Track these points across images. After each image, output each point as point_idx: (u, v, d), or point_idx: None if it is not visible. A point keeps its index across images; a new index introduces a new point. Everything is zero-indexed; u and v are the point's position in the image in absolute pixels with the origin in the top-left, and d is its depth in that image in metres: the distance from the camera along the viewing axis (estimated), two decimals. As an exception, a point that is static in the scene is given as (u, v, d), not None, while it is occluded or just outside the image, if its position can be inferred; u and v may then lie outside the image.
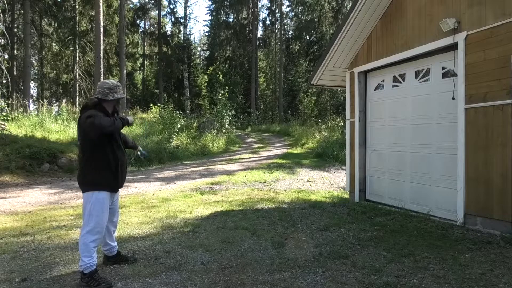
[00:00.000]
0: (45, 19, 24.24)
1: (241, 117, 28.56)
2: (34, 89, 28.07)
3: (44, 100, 20.00)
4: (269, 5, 36.32)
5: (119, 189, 3.28)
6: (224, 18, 35.18)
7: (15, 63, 21.96)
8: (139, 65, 37.22)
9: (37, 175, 9.05)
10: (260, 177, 9.00)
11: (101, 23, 16.02)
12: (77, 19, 24.22)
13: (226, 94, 19.87)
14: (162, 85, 32.98)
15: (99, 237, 2.98)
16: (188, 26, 36.37)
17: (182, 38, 35.73)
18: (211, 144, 16.02)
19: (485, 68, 4.24)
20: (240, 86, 31.73)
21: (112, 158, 3.04)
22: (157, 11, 34.26)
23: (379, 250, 3.72)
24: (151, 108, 19.85)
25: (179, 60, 33.42)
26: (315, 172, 10.04)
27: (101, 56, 16.16)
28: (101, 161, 2.99)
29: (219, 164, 11.61)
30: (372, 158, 6.38)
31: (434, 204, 5.10)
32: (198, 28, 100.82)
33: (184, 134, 16.00)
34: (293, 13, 34.15)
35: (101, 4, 15.76)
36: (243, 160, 12.59)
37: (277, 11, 34.79)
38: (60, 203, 6.17)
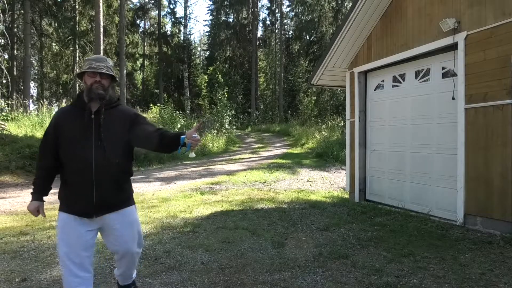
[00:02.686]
0: (45, 19, 24.20)
1: (241, 117, 28.59)
2: (34, 89, 28.09)
3: (44, 100, 20.00)
4: (269, 5, 36.37)
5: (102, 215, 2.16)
6: (224, 18, 35.19)
7: (15, 63, 21.94)
8: (139, 65, 37.21)
9: (37, 175, 9.04)
10: (260, 177, 9.00)
11: (101, 23, 16.00)
12: (77, 19, 24.21)
13: (226, 94, 19.87)
14: (162, 85, 32.98)
15: (64, 264, 2.11)
16: (188, 26, 36.44)
17: (182, 38, 35.76)
18: (211, 144, 16.03)
19: (485, 68, 4.24)
20: (240, 86, 31.76)
21: (67, 169, 2.15)
22: (157, 11, 34.26)
23: (379, 250, 3.72)
24: (151, 108, 19.86)
25: (179, 60, 33.43)
26: (315, 172, 10.04)
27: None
28: (62, 173, 2.20)
29: (219, 164, 11.61)
30: (372, 158, 6.38)
31: (434, 204, 5.10)
32: (198, 28, 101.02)
33: (184, 134, 15.98)
34: (293, 13, 34.14)
35: (101, 4, 15.75)
36: (243, 160, 12.59)
37: (277, 11, 34.80)
38: (60, 203, 6.16)
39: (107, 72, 2.16)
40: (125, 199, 2.29)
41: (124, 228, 2.26)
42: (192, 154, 2.15)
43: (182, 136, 2.07)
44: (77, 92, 2.26)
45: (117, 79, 2.27)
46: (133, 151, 2.31)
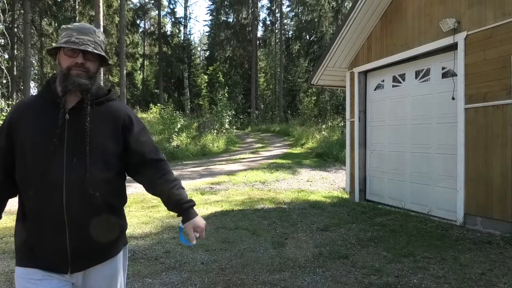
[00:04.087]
0: (45, 19, 24.22)
1: (241, 117, 28.57)
2: (34, 89, 28.04)
3: (44, 100, 19.95)
4: (269, 5, 36.32)
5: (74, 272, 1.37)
6: (224, 18, 35.18)
7: (15, 63, 21.95)
8: (139, 65, 37.21)
9: (37, 175, 9.04)
10: (260, 177, 9.00)
11: (101, 23, 15.98)
12: (77, 19, 24.20)
13: (226, 94, 19.87)
14: (162, 85, 32.97)
15: None
16: (188, 26, 36.54)
17: (182, 38, 35.76)
18: (211, 144, 16.02)
19: (485, 68, 4.24)
20: (240, 86, 31.74)
21: (27, 196, 1.38)
22: (157, 11, 34.25)
23: (379, 250, 3.72)
24: (151, 108, 19.86)
25: (179, 60, 33.43)
26: (315, 172, 10.03)
27: (101, 56, 16.12)
28: (20, 201, 1.45)
29: (219, 164, 11.61)
30: (372, 158, 6.38)
31: (434, 204, 5.10)
32: (198, 28, 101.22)
33: (184, 134, 15.99)
34: (293, 13, 34.15)
35: (101, 4, 15.73)
36: (243, 160, 12.59)
37: (277, 11, 34.77)
38: (60, 203, 6.15)
39: (95, 51, 1.36)
40: (113, 242, 1.45)
41: (98, 283, 1.44)
42: (191, 243, 1.50)
43: (181, 226, 1.51)
44: (47, 78, 1.24)
45: (109, 61, 1.49)
46: (124, 167, 1.49)
